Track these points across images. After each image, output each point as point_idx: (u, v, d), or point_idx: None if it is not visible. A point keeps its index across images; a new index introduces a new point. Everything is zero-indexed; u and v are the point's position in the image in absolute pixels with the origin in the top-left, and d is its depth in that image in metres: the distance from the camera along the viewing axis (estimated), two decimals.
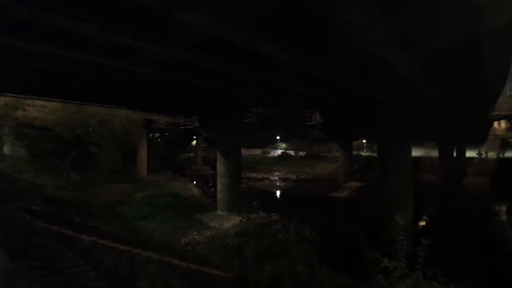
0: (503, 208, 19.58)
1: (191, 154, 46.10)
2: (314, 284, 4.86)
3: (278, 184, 30.26)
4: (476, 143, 33.22)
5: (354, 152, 37.28)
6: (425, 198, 21.41)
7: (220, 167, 13.91)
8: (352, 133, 26.42)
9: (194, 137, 40.75)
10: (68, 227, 7.08)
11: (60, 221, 8.45)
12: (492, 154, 34.77)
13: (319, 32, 5.67)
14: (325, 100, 12.39)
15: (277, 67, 7.35)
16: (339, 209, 19.85)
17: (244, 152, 31.83)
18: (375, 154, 15.33)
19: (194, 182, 26.96)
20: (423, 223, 15.37)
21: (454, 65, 8.15)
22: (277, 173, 36.87)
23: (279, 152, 49.08)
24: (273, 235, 6.33)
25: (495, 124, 30.34)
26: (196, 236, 9.88)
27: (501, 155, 34.85)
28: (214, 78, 8.68)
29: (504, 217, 17.68)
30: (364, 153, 42.78)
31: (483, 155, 34.02)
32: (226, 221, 11.62)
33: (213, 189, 19.70)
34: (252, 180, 31.00)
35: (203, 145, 41.55)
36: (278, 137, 52.86)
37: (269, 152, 49.66)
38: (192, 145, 47.57)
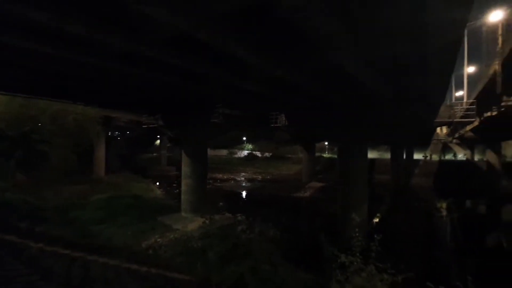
0: (443, 205, 21.84)
1: (155, 154, 44.22)
2: (277, 281, 4.94)
3: (244, 184, 30.33)
4: (422, 147, 36.58)
5: (317, 154, 38.74)
6: (378, 196, 22.97)
7: (185, 168, 13.54)
8: (315, 136, 27.48)
9: (158, 136, 39.19)
10: (13, 233, 6.36)
11: (2, 226, 7.56)
12: (435, 157, 38.64)
13: (286, 37, 5.81)
14: (290, 103, 12.71)
15: (244, 68, 7.38)
16: (302, 209, 20.46)
17: (210, 152, 31.40)
18: (336, 156, 16.20)
19: (158, 183, 25.91)
20: (377, 219, 16.46)
21: (404, 77, 8.91)
22: (244, 173, 36.96)
23: (245, 153, 49.28)
24: (238, 235, 6.32)
25: (438, 129, 33.69)
26: (158, 239, 9.47)
27: (442, 158, 38.92)
28: (180, 76, 8.44)
29: (444, 213, 19.69)
30: (326, 155, 44.71)
31: (428, 158, 37.61)
32: (191, 223, 11.34)
33: (177, 190, 19.10)
34: (218, 180, 30.70)
35: (168, 145, 40.11)
36: (244, 138, 53.04)
37: (236, 153, 49.61)
38: (155, 145, 45.69)
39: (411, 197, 25.18)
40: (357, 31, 5.87)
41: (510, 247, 13.94)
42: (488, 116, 13.33)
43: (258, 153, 47.74)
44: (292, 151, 44.54)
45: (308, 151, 30.80)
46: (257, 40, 5.66)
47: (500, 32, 11.89)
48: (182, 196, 13.52)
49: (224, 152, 48.43)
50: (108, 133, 28.22)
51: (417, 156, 37.01)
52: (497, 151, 26.05)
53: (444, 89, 10.64)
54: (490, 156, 26.66)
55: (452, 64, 7.82)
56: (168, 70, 7.79)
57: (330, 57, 6.37)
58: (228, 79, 8.44)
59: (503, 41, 11.35)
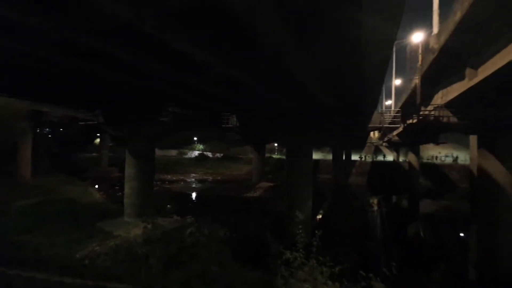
0: (375, 201, 24.45)
1: (94, 154, 40.01)
2: (225, 282, 4.91)
3: (194, 186, 29.50)
4: (358, 149, 40.29)
5: (267, 155, 39.71)
6: (322, 195, 24.58)
7: (130, 169, 12.58)
8: (265, 137, 28.15)
9: (98, 134, 35.65)
10: None
11: None
12: (369, 158, 43.01)
13: (239, 40, 5.83)
14: (242, 104, 12.83)
15: (194, 67, 7.19)
16: (252, 208, 20.76)
17: (159, 153, 29.74)
18: (284, 157, 16.92)
19: (97, 186, 23.55)
20: (320, 216, 17.59)
21: (345, 87, 9.71)
22: (194, 174, 35.94)
23: (196, 153, 47.98)
24: (185, 239, 6.11)
25: (371, 134, 37.56)
26: (96, 248, 8.63)
27: (374, 159, 43.54)
28: (124, 70, 7.84)
29: (375, 208, 22.04)
30: (275, 156, 46.13)
31: (363, 159, 41.65)
32: (135, 228, 10.56)
33: (120, 193, 17.62)
34: (167, 182, 29.28)
35: (110, 144, 36.77)
36: (195, 138, 51.63)
37: (186, 153, 47.95)
38: (95, 144, 41.47)
39: (349, 195, 27.56)
40: (305, 40, 6.21)
41: (425, 235, 16.26)
42: (410, 123, 15.37)
43: (209, 154, 46.95)
44: (243, 152, 44.92)
45: (258, 152, 31.38)
46: (210, 39, 5.56)
47: (420, 51, 13.82)
48: (125, 200, 12.54)
49: (173, 152, 46.38)
50: (37, 129, 24.64)
51: (355, 157, 40.75)
52: (417, 153, 30.14)
53: (376, 98, 11.88)
54: (411, 158, 30.72)
55: (382, 77, 8.78)
56: (110, 62, 7.17)
57: (279, 62, 6.61)
58: (177, 77, 8.12)
59: (422, 59, 13.21)
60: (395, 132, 25.11)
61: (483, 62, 7.79)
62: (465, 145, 12.12)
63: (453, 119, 10.77)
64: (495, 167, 10.11)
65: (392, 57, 29.48)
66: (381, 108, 32.94)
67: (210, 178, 33.90)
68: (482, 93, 8.74)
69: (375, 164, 38.42)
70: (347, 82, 9.23)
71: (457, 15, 6.72)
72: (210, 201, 21.49)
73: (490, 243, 10.16)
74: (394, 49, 27.84)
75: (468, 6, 6.03)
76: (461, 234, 15.36)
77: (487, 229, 10.32)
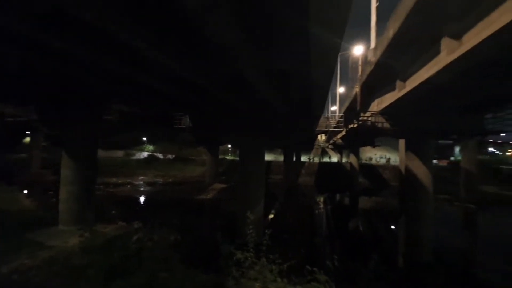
0: (321, 199, 26.07)
1: (23, 154, 34.68)
2: (174, 287, 4.70)
3: (143, 189, 27.69)
4: (307, 150, 42.56)
5: (221, 156, 39.32)
6: (274, 195, 25.26)
7: (67, 171, 11.21)
8: (219, 138, 27.87)
9: (29, 132, 31.12)
10: None
11: None
12: (316, 159, 45.73)
13: (192, 38, 5.66)
14: (194, 104, 12.49)
15: (143, 62, 6.76)
16: (205, 210, 20.34)
17: (103, 154, 27.22)
18: (238, 158, 16.98)
19: (26, 192, 20.50)
20: (271, 216, 18.04)
21: (294, 91, 10.16)
22: (143, 177, 33.68)
23: (145, 154, 45.05)
24: (131, 245, 5.68)
25: (319, 136, 40.05)
26: (26, 261, 7.48)
27: (321, 160, 46.47)
28: (62, 62, 7.01)
29: (321, 206, 23.49)
30: (229, 157, 45.94)
31: (311, 160, 44.12)
32: (72, 237, 9.41)
33: (55, 199, 15.64)
34: (111, 185, 26.89)
35: (43, 144, 32.35)
36: (145, 139, 48.55)
37: (134, 155, 44.66)
38: (24, 143, 36.10)
39: (299, 194, 28.84)
40: (257, 46, 6.33)
41: (363, 228, 17.88)
42: (351, 127, 16.78)
43: (160, 155, 44.49)
44: (196, 153, 43.68)
45: (212, 153, 30.92)
46: (159, 35, 5.29)
47: (360, 63, 15.22)
48: (61, 205, 11.15)
49: (120, 153, 42.78)
50: None
51: (304, 158, 42.91)
52: (357, 155, 33.03)
53: (323, 103, 12.69)
54: (352, 159, 33.55)
55: (328, 83, 9.43)
56: (43, 50, 6.33)
57: (232, 64, 6.61)
58: (123, 72, 7.54)
59: (362, 71, 14.56)
60: (339, 136, 27.12)
61: (409, 76, 8.90)
62: (396, 148, 13.69)
63: (386, 125, 12.08)
64: (418, 167, 11.63)
65: (337, 67, 31.87)
66: (327, 113, 35.37)
67: (161, 180, 32.23)
68: (408, 103, 9.97)
69: (322, 165, 41.02)
70: (297, 87, 9.68)
71: (390, 33, 7.57)
72: (161, 205, 20.40)
73: (413, 233, 11.60)
74: (339, 59, 30.16)
75: (399, 26, 6.84)
76: (392, 227, 17.24)
77: (411, 221, 11.78)
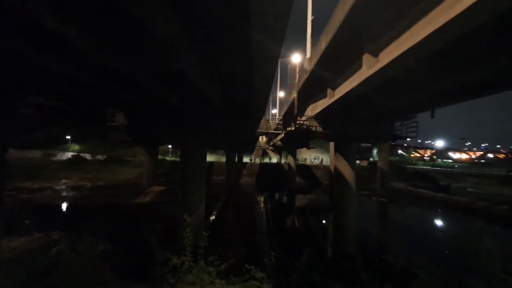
0: (262, 199, 26.88)
1: None
2: None
3: (66, 194, 24.14)
4: (249, 152, 43.43)
5: (160, 157, 37.10)
6: (216, 196, 24.96)
7: None
8: (158, 138, 26.25)
9: None
10: None
11: None
12: (257, 160, 47.01)
13: (128, 29, 5.17)
14: (131, 101, 11.47)
15: (63, 46, 5.89)
16: (142, 215, 18.84)
17: (15, 154, 22.84)
18: (179, 159, 16.22)
19: None
20: (213, 217, 17.76)
21: (237, 93, 10.23)
22: (66, 180, 29.33)
23: (69, 155, 39.31)
24: (43, 260, 4.88)
25: (260, 138, 41.34)
26: None
27: (262, 161, 47.97)
28: None
29: (262, 205, 24.19)
30: (169, 158, 43.63)
31: (253, 161, 45.16)
32: None
33: None
34: (26, 191, 22.71)
35: None
36: (69, 137, 42.52)
37: (55, 155, 38.54)
38: None
39: (240, 194, 29.14)
40: (200, 45, 6.17)
41: (299, 224, 19.06)
42: (289, 130, 17.77)
43: (87, 156, 39.38)
44: (132, 154, 40.18)
45: (150, 154, 28.92)
46: (91, 22, 4.70)
47: (297, 70, 16.24)
48: None
49: (37, 153, 36.42)
50: None
51: (246, 159, 43.62)
52: (294, 156, 35.11)
53: (264, 106, 13.10)
54: (290, 160, 35.54)
55: (269, 87, 9.78)
56: None
57: (172, 62, 6.29)
58: (40, 58, 6.46)
59: (299, 78, 15.54)
60: (278, 138, 28.38)
61: (338, 85, 9.87)
62: (328, 150, 15.00)
63: (319, 129, 13.15)
64: (344, 167, 12.97)
65: (278, 72, 33.39)
66: (268, 115, 36.74)
67: (89, 184, 28.59)
68: (336, 110, 11.04)
69: (263, 166, 42.34)
70: (239, 89, 9.76)
71: (322, 45, 8.26)
72: (89, 211, 18.09)
73: (340, 226, 12.88)
74: (279, 65, 31.64)
75: (329, 40, 7.51)
76: (324, 221, 18.82)
77: (338, 215, 13.07)
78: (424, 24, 4.72)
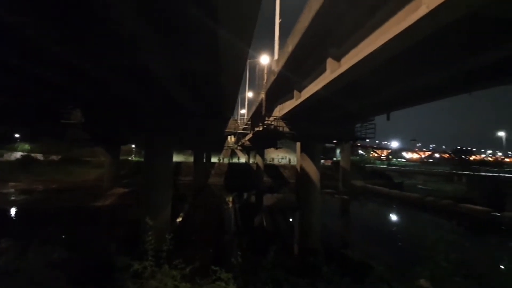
0: (230, 199, 26.74)
1: None
2: None
3: (14, 198, 21.71)
4: (218, 152, 42.97)
5: (123, 157, 35.03)
6: (183, 196, 24.27)
7: None
8: (121, 137, 24.71)
9: None
10: None
11: None
12: (226, 160, 46.66)
13: (87, 20, 4.78)
14: (90, 97, 10.69)
15: (12, 38, 5.30)
16: (102, 219, 17.63)
17: None
18: (143, 159, 15.44)
19: None
20: (180, 219, 17.24)
21: (204, 92, 10.04)
22: (15, 183, 26.33)
23: (18, 155, 35.38)
24: None
25: (228, 138, 41.10)
26: None
27: (230, 161, 47.74)
28: None
29: (230, 205, 24.06)
30: (133, 158, 41.43)
31: (221, 161, 44.73)
32: None
33: None
34: None
35: None
36: (17, 136, 38.32)
37: (2, 155, 34.44)
38: None
39: (209, 194, 28.67)
40: (165, 41, 5.92)
41: (267, 223, 19.30)
42: (257, 130, 17.91)
43: (39, 156, 35.71)
44: (91, 154, 37.35)
45: (112, 154, 27.12)
46: (38, 8, 4.26)
47: (265, 71, 16.42)
48: None
49: None
50: None
51: (214, 159, 43.04)
52: (262, 156, 35.48)
53: (232, 106, 13.05)
54: (258, 160, 35.85)
55: (238, 87, 9.75)
56: None
57: (136, 56, 5.96)
58: None
59: (267, 79, 15.73)
60: (247, 138, 28.47)
61: (304, 87, 10.17)
62: (295, 150, 15.38)
63: (286, 129, 13.43)
64: (309, 166, 13.42)
65: (246, 72, 33.49)
66: (237, 116, 36.68)
67: (41, 187, 26.02)
68: (302, 111, 11.38)
69: (231, 166, 42.13)
70: (207, 88, 9.59)
71: (289, 48, 8.45)
72: (41, 217, 16.44)
73: (305, 224, 13.30)
74: (248, 66, 31.74)
75: (295, 43, 7.71)
76: (291, 219, 19.27)
77: (304, 213, 13.48)
78: (380, 34, 5.06)
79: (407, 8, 4.37)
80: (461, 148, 53.45)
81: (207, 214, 19.59)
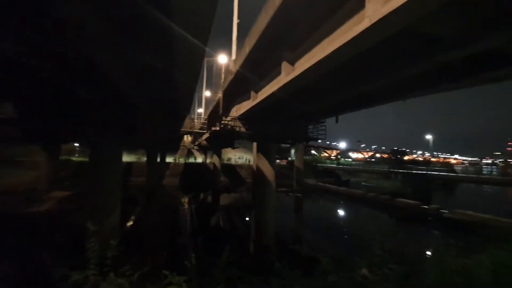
0: (186, 200, 25.88)
1: None
2: None
3: None
4: (173, 151, 41.23)
5: (65, 157, 31.49)
6: (135, 198, 22.74)
7: None
8: (62, 135, 22.03)
9: None
10: None
11: None
12: (182, 160, 45.03)
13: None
14: (24, 90, 9.32)
15: None
16: (38, 226, 15.52)
17: None
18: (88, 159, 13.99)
19: None
20: (131, 222, 16.09)
21: (159, 89, 9.53)
22: None
23: None
24: None
25: (185, 137, 39.67)
26: None
27: (187, 160, 46.24)
28: None
29: (186, 206, 23.28)
30: (76, 158, 37.38)
31: (177, 160, 43.05)
32: None
33: None
34: None
35: None
36: None
37: None
38: None
39: (163, 196, 27.34)
40: (116, 33, 5.46)
41: (223, 223, 19.15)
42: (214, 130, 17.63)
43: None
44: (26, 153, 32.54)
45: (50, 154, 24.12)
46: None
47: (223, 71, 16.26)
48: None
49: None
50: None
51: (169, 159, 41.18)
52: (219, 156, 35.11)
53: (188, 104, 12.68)
54: (215, 159, 35.37)
55: (194, 85, 9.47)
56: None
57: (82, 47, 5.39)
58: None
59: (224, 78, 15.59)
60: (204, 137, 27.87)
61: (261, 88, 10.33)
62: (252, 150, 15.51)
63: (243, 129, 13.50)
64: (265, 166, 13.70)
65: (204, 71, 32.79)
66: (194, 114, 35.66)
67: None
68: (258, 112, 11.57)
69: (187, 166, 40.81)
70: (162, 85, 9.13)
71: (246, 49, 8.50)
72: None
73: (261, 222, 13.53)
74: (205, 64, 31.12)
75: (252, 45, 7.78)
76: (247, 218, 19.43)
77: (260, 212, 13.71)
78: (330, 41, 5.39)
79: (354, 19, 4.74)
80: (397, 149, 60.27)
81: (161, 216, 18.66)
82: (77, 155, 39.72)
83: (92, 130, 10.52)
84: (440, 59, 5.47)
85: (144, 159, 32.66)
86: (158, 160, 33.69)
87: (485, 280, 2.66)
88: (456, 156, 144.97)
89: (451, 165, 61.77)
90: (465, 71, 6.21)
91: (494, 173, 32.23)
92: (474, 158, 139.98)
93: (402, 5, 3.43)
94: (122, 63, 6.97)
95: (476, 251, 3.58)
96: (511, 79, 6.97)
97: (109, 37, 5.57)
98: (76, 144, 37.45)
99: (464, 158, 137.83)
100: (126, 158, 36.07)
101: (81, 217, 12.73)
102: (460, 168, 43.32)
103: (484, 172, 33.04)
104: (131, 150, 36.34)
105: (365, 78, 7.25)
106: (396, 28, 4.05)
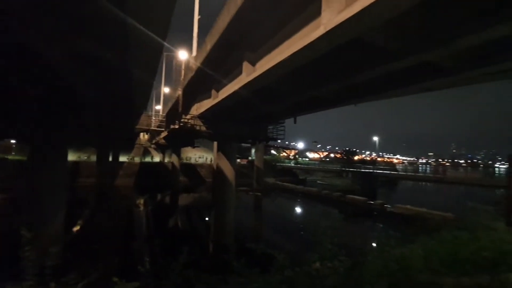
0: (142, 201, 24.42)
1: None
2: None
3: None
4: (128, 150, 38.51)
5: None
6: (83, 201, 20.76)
7: None
8: None
9: None
10: None
11: None
12: (137, 159, 42.36)
13: None
14: None
15: None
16: None
17: None
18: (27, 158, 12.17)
19: None
20: (78, 227, 14.65)
21: (112, 83, 8.81)
22: None
23: None
24: None
25: (141, 135, 37.37)
26: None
27: (143, 160, 43.63)
28: None
29: (141, 208, 21.98)
30: (12, 157, 32.66)
31: (132, 160, 40.37)
32: None
33: None
34: None
35: None
36: None
37: None
38: None
39: (116, 197, 25.40)
40: (57, 19, 4.90)
41: (182, 223, 18.54)
42: (173, 128, 16.97)
43: None
44: None
45: None
46: None
47: (183, 67, 15.68)
48: None
49: None
50: None
51: (123, 158, 38.36)
52: (178, 155, 33.90)
53: (145, 101, 11.94)
54: (174, 159, 34.06)
55: (151, 80, 8.94)
56: None
57: (19, 34, 4.72)
58: None
59: (184, 75, 15.07)
60: (162, 135, 26.63)
61: (222, 87, 10.24)
62: (213, 149, 15.28)
63: (203, 128, 13.24)
64: (225, 165, 13.62)
65: (163, 66, 31.28)
66: (151, 111, 33.78)
67: None
68: (219, 111, 11.45)
69: (144, 165, 38.54)
70: (114, 79, 8.44)
71: (208, 47, 8.34)
72: None
73: (220, 221, 13.43)
74: (164, 59, 29.71)
75: (213, 43, 7.67)
76: (206, 218, 19.08)
77: (219, 211, 13.60)
78: (288, 45, 5.57)
79: (311, 25, 4.96)
80: (349, 149, 64.93)
81: (113, 219, 17.30)
82: (14, 153, 34.82)
83: (32, 125, 9.30)
84: (388, 68, 6.03)
85: (94, 158, 29.95)
86: (110, 159, 31.18)
87: (417, 266, 3.02)
88: (398, 156, 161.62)
89: (394, 164, 68.72)
90: (408, 80, 6.95)
91: (428, 171, 36.66)
92: (412, 158, 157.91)
93: (353, 16, 3.70)
94: (65, 52, 6.27)
95: (411, 241, 4.05)
96: (443, 89, 8.01)
97: (48, 21, 4.98)
98: (13, 141, 32.79)
99: (404, 158, 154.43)
100: (74, 156, 32.62)
101: (17, 223, 11.15)
102: (401, 167, 48.29)
103: (420, 171, 37.33)
104: (80, 148, 33.03)
105: (320, 82, 7.64)
106: (348, 37, 4.35)
